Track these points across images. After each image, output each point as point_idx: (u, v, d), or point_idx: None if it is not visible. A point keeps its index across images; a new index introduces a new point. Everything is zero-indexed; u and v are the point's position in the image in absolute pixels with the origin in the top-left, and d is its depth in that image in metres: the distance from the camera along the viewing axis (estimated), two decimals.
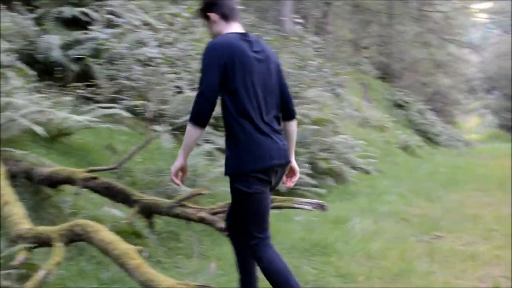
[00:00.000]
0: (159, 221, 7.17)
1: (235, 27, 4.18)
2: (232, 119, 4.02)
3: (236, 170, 4.08)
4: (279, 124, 4.25)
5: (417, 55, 40.97)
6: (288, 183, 4.58)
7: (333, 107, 19.43)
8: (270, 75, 4.14)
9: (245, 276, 4.52)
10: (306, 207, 5.73)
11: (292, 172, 4.57)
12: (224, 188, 8.53)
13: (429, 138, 31.03)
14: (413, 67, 42.23)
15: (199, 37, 12.61)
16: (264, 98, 4.06)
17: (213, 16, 4.16)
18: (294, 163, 4.54)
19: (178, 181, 4.30)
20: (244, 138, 3.98)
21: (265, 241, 4.22)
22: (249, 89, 3.97)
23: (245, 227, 4.23)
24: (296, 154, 11.92)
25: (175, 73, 9.09)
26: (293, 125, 4.42)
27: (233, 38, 4.03)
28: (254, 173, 4.02)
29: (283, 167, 4.25)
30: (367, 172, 15.38)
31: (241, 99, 3.96)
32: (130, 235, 6.49)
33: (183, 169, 4.31)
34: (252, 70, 3.99)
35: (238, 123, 3.99)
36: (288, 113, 4.36)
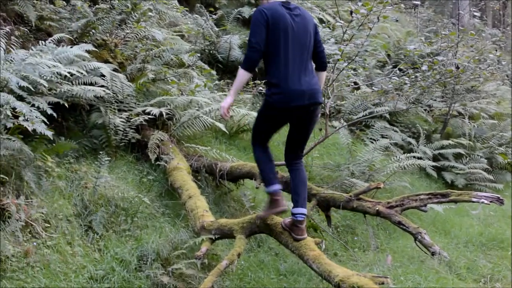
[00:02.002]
0: (335, 215, 7.22)
1: None
2: (269, 64, 4.88)
3: (268, 104, 4.91)
4: (312, 71, 5.04)
5: None
6: None
7: None
8: (306, 33, 4.98)
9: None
10: (483, 201, 5.58)
11: None
12: (400, 183, 8.44)
13: None
14: None
15: (375, 32, 12.51)
16: (297, 50, 4.90)
17: None
18: None
19: (229, 115, 5.15)
20: (277, 81, 4.81)
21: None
22: (286, 42, 4.83)
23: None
24: (473, 148, 11.77)
25: (352, 69, 9.09)
26: (323, 74, 5.36)
27: (275, 4, 4.94)
28: (281, 110, 4.86)
29: (309, 106, 4.93)
30: None
31: (278, 49, 4.82)
32: (308, 228, 6.56)
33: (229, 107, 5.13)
34: (288, 28, 4.85)
35: (274, 67, 4.84)
36: (320, 65, 5.27)
